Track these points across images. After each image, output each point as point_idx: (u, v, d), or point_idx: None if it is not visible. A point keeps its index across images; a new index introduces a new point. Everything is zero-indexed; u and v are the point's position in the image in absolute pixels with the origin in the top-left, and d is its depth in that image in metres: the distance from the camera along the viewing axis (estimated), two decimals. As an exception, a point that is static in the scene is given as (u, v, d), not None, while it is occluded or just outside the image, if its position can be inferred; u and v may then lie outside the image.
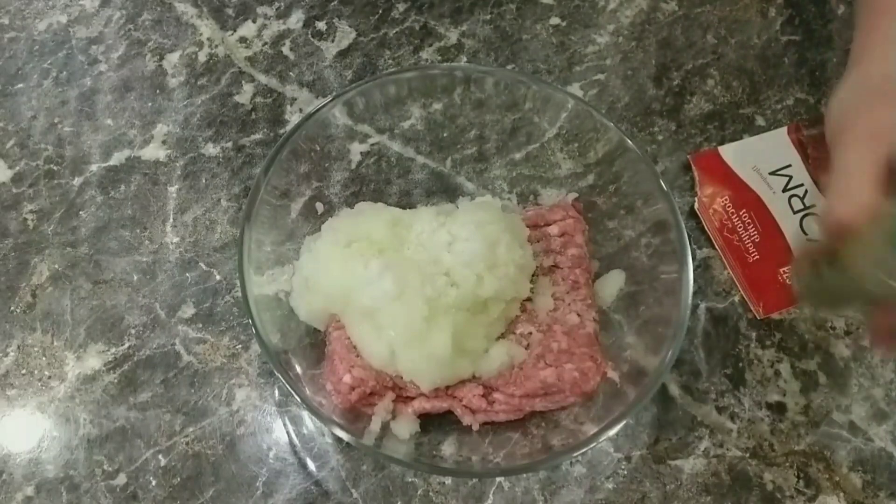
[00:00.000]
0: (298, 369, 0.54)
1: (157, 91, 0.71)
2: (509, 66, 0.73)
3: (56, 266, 0.63)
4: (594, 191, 0.62)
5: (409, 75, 0.61)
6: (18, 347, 0.60)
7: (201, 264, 0.63)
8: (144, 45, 0.73)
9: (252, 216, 0.54)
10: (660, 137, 0.70)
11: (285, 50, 0.73)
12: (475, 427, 0.55)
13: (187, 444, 0.57)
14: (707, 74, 0.73)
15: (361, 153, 0.65)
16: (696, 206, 0.66)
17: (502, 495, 0.56)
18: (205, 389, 0.59)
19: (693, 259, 0.55)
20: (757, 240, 0.64)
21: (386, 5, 0.76)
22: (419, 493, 0.56)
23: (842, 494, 0.56)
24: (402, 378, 0.54)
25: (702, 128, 0.70)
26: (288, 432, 0.58)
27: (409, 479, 0.56)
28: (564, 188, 0.63)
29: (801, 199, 0.66)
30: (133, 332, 0.61)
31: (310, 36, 0.74)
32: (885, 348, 0.43)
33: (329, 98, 0.59)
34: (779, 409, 0.59)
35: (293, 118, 0.70)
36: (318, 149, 0.60)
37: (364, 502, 0.55)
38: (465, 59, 0.73)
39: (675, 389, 0.60)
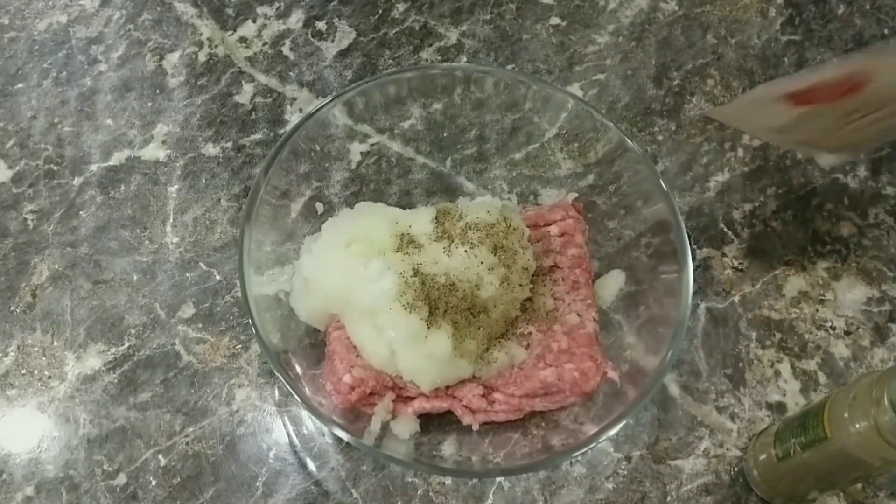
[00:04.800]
0: (298, 369, 0.54)
1: (157, 91, 0.71)
2: (509, 66, 0.73)
3: (56, 266, 0.63)
4: (594, 191, 0.62)
5: (409, 75, 0.61)
6: (18, 347, 0.60)
7: (201, 264, 0.63)
8: (144, 45, 0.73)
9: (252, 216, 0.54)
10: (660, 137, 0.70)
11: (285, 50, 0.73)
12: (475, 427, 0.55)
13: (187, 444, 0.57)
14: (707, 74, 0.73)
15: (361, 153, 0.65)
16: None
17: (502, 495, 0.56)
18: (205, 389, 0.59)
19: (693, 259, 0.55)
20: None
21: (386, 5, 0.76)
22: (419, 493, 0.56)
23: (842, 494, 0.56)
24: (402, 378, 0.54)
25: (702, 128, 0.70)
26: (288, 432, 0.58)
27: (409, 479, 0.56)
28: (564, 188, 0.63)
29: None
30: (133, 332, 0.61)
31: (310, 36, 0.74)
32: None
33: (329, 98, 0.59)
34: (779, 409, 0.59)
35: (293, 118, 0.70)
36: (318, 149, 0.60)
37: (364, 502, 0.55)
38: (465, 59, 0.73)
39: (675, 389, 0.60)
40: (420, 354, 0.53)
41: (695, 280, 0.53)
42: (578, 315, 0.57)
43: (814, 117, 0.47)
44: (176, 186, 0.67)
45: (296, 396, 0.50)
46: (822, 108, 0.46)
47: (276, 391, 0.59)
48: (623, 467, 0.57)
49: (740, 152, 0.70)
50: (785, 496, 0.54)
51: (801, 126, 0.48)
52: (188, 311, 0.61)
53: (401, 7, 0.76)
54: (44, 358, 0.60)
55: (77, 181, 0.66)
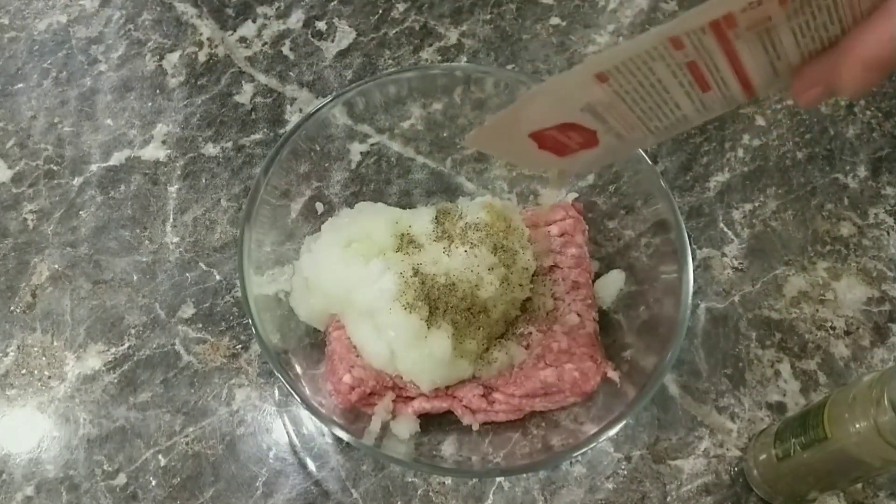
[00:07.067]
0: (298, 369, 0.54)
1: (157, 91, 0.71)
2: (509, 66, 0.73)
3: (56, 266, 0.63)
4: (594, 191, 0.62)
5: (409, 75, 0.61)
6: (18, 347, 0.60)
7: (201, 264, 0.63)
8: (144, 45, 0.73)
9: (252, 216, 0.54)
10: (660, 137, 0.70)
11: (285, 50, 0.73)
12: (475, 427, 0.55)
13: (187, 444, 0.57)
14: (707, 74, 0.73)
15: (361, 153, 0.65)
16: None
17: (502, 495, 0.56)
18: (205, 389, 0.59)
19: (693, 259, 0.55)
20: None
21: (386, 5, 0.76)
22: (419, 493, 0.56)
23: (842, 494, 0.56)
24: (402, 378, 0.54)
25: (701, 128, 0.70)
26: (288, 432, 0.58)
27: (409, 479, 0.56)
28: (564, 188, 0.63)
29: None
30: (133, 332, 0.61)
31: (310, 36, 0.74)
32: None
33: (329, 98, 0.59)
34: (779, 409, 0.59)
35: (293, 118, 0.70)
36: (318, 149, 0.60)
37: (364, 502, 0.55)
38: (465, 59, 0.73)
39: (675, 389, 0.60)
40: (420, 354, 0.53)
41: (695, 280, 0.53)
42: (578, 315, 0.57)
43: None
44: (176, 186, 0.67)
45: (296, 396, 0.50)
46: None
47: (276, 391, 0.59)
48: (623, 467, 0.57)
49: (740, 152, 0.70)
50: (785, 496, 0.54)
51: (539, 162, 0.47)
52: (188, 311, 0.61)
53: (401, 7, 0.76)
54: (44, 358, 0.60)
55: (77, 181, 0.66)
